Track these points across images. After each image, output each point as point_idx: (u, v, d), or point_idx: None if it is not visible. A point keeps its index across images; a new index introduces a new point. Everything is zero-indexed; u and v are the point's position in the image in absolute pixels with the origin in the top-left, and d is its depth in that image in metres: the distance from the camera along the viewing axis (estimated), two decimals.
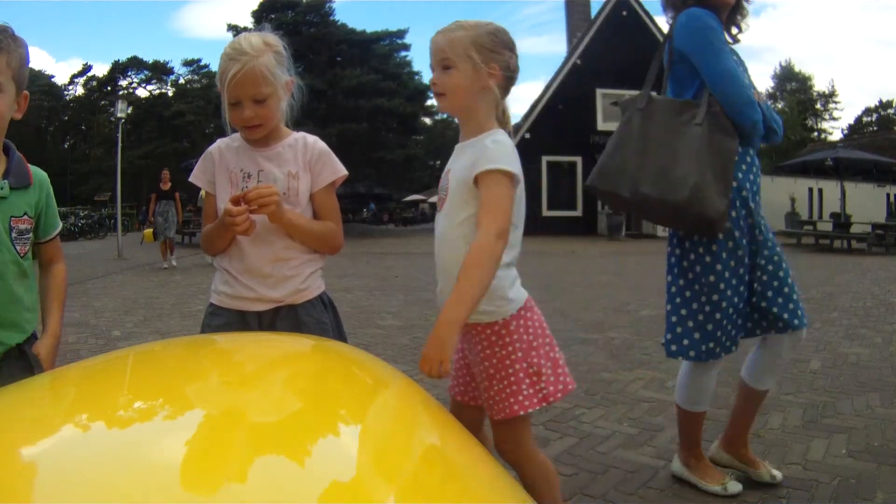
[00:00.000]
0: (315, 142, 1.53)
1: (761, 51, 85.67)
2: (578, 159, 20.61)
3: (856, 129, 47.58)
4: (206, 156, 1.53)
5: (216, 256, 1.53)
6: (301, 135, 1.53)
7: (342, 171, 1.53)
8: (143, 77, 46.26)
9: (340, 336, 1.60)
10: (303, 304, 1.49)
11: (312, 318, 1.49)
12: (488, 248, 1.26)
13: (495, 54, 1.36)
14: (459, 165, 1.40)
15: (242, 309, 1.48)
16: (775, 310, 1.95)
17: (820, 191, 24.14)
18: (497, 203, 1.30)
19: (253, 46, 1.38)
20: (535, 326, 1.41)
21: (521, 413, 1.38)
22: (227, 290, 1.50)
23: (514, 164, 1.33)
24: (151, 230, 10.49)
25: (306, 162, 1.49)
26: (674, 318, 2.01)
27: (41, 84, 46.68)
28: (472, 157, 1.36)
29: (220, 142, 1.54)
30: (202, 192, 1.61)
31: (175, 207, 10.24)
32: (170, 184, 10.33)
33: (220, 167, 1.50)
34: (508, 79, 1.40)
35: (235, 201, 1.35)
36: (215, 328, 1.51)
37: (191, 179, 1.54)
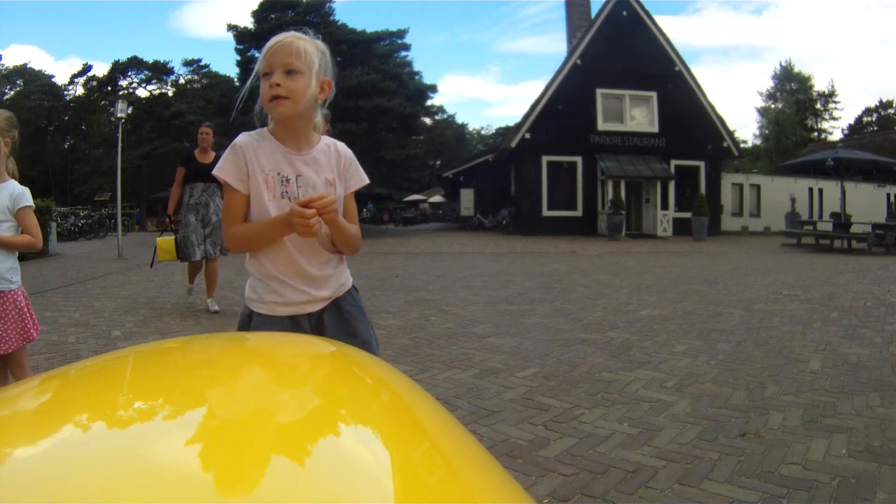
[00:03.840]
0: (344, 148, 1.59)
1: (763, 50, 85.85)
2: (578, 159, 20.62)
3: (856, 129, 47.58)
4: (234, 150, 1.47)
5: (254, 266, 1.53)
6: (331, 141, 1.57)
7: (366, 180, 1.61)
8: (143, 77, 46.22)
9: (366, 317, 1.68)
10: (343, 295, 1.59)
11: (353, 307, 1.60)
12: None
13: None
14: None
15: (295, 314, 1.52)
16: None
17: (820, 191, 24.15)
18: None
19: (296, 34, 1.47)
20: None
21: None
22: (276, 299, 1.51)
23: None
24: (173, 238, 5.88)
25: (340, 169, 1.55)
26: None
27: (41, 84, 46.72)
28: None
29: (246, 137, 1.49)
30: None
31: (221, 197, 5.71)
32: (213, 153, 5.78)
33: (253, 166, 1.46)
34: None
35: (305, 206, 1.38)
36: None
37: (217, 174, 1.48)
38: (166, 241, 5.90)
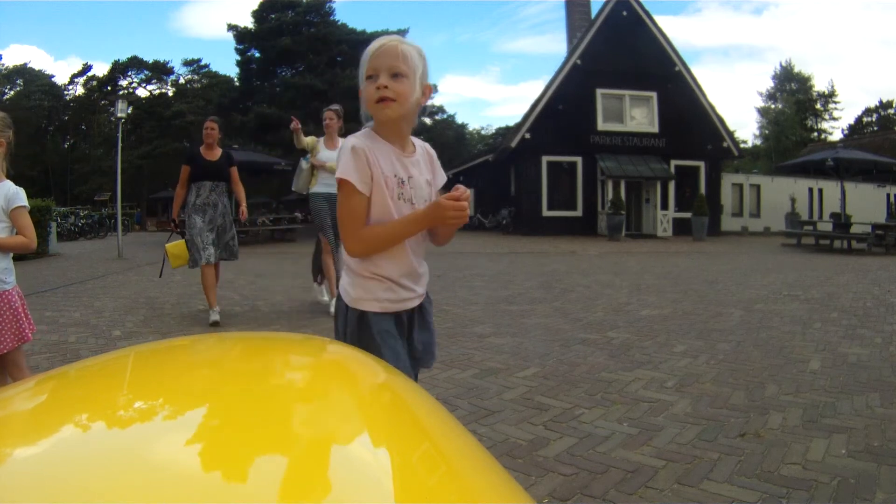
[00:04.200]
0: (430, 149, 1.65)
1: (763, 50, 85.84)
2: (578, 159, 20.63)
3: (856, 129, 47.59)
4: (356, 153, 1.45)
5: (365, 267, 1.53)
6: (419, 142, 1.62)
7: (445, 178, 1.66)
8: (143, 77, 46.23)
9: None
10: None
11: (428, 302, 1.67)
12: None
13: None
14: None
15: (401, 309, 1.57)
16: None
17: (820, 191, 24.15)
18: None
19: (399, 38, 1.51)
20: None
21: None
22: (390, 296, 1.54)
23: None
24: (183, 242, 5.37)
25: (433, 170, 1.62)
26: None
27: (41, 84, 46.72)
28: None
29: (361, 140, 1.48)
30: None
31: (233, 195, 5.50)
32: (220, 150, 5.39)
33: (376, 168, 1.46)
34: None
35: (454, 199, 1.42)
36: (387, 331, 1.54)
37: (344, 176, 1.44)
38: (177, 247, 5.33)
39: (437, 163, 1.65)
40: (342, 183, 1.46)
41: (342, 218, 1.50)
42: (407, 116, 1.51)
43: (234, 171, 5.45)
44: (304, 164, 5.58)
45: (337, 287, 5.55)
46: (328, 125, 5.47)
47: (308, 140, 5.54)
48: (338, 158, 1.50)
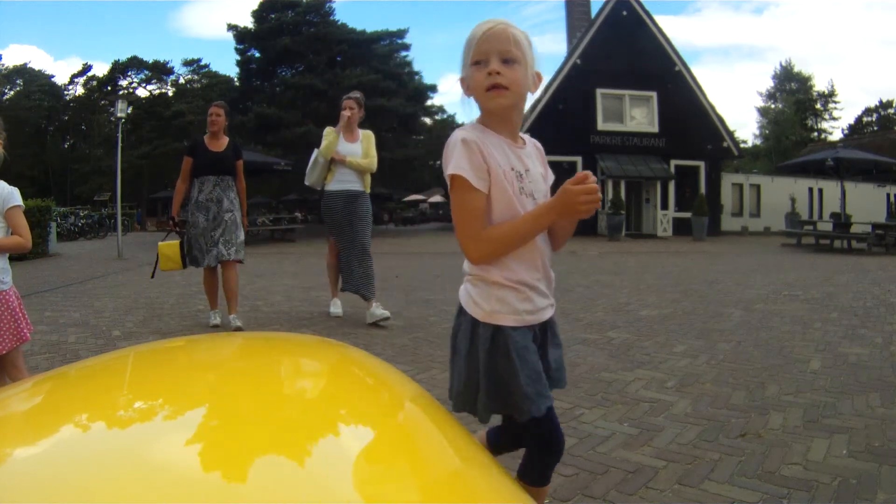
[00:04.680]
0: (538, 143, 1.50)
1: (763, 50, 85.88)
2: (578, 159, 20.62)
3: (856, 129, 47.62)
4: (468, 146, 1.30)
5: (498, 273, 1.35)
6: (523, 134, 1.47)
7: (553, 177, 1.50)
8: (143, 77, 46.27)
9: None
10: None
11: (554, 315, 1.49)
12: None
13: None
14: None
15: (536, 322, 1.39)
16: None
17: (820, 191, 24.16)
18: None
19: (506, 21, 1.36)
20: None
21: None
22: (528, 307, 1.37)
23: None
24: (177, 242, 4.88)
25: (544, 164, 1.47)
26: None
27: (41, 84, 46.73)
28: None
29: (470, 132, 1.33)
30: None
31: (237, 192, 4.92)
32: (226, 139, 4.92)
33: (492, 161, 1.31)
34: None
35: (583, 181, 1.26)
36: (526, 347, 1.36)
37: (458, 172, 1.29)
38: (169, 247, 4.82)
39: (545, 158, 1.50)
40: (455, 180, 1.30)
41: (459, 220, 1.33)
42: (519, 105, 1.37)
43: (241, 165, 4.93)
44: (320, 158, 4.96)
45: (341, 290, 5.24)
46: (349, 116, 4.91)
47: (326, 131, 5.01)
48: (445, 154, 1.33)
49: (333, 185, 4.96)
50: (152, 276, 5.43)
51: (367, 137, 5.10)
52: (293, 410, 0.74)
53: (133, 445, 0.59)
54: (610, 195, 19.57)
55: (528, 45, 1.36)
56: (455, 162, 1.30)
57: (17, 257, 2.49)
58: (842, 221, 16.32)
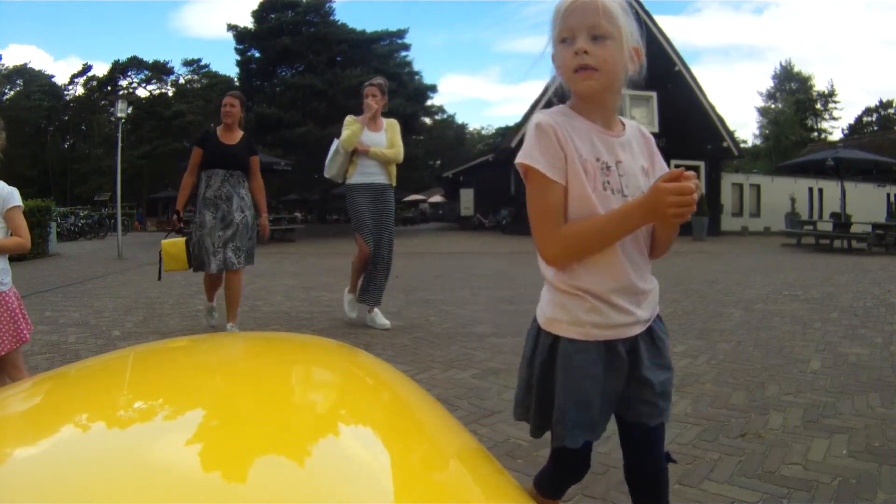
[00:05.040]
0: (647, 131, 1.31)
1: (763, 50, 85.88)
2: None
3: (856, 129, 47.64)
4: (542, 131, 1.15)
5: (563, 277, 1.21)
6: (631, 122, 1.29)
7: (665, 168, 1.27)
8: (143, 77, 46.30)
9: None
10: (656, 318, 1.29)
11: (664, 333, 1.29)
12: None
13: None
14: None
15: (613, 338, 1.21)
16: None
17: (820, 191, 24.16)
18: None
19: None
20: None
21: None
22: (595, 320, 1.19)
23: None
24: (182, 240, 4.57)
25: (650, 155, 1.28)
26: None
27: (41, 84, 46.75)
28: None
29: (550, 116, 1.18)
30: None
31: (249, 191, 4.55)
32: (240, 133, 4.64)
33: (570, 149, 1.15)
34: None
35: (676, 178, 1.07)
36: (584, 370, 1.20)
37: (527, 162, 1.15)
38: (174, 245, 4.49)
39: (655, 148, 1.29)
40: (526, 171, 1.16)
41: (531, 215, 1.18)
42: (613, 87, 1.20)
43: (256, 161, 4.56)
44: (341, 149, 4.62)
45: (359, 289, 4.87)
46: (372, 105, 4.59)
47: (347, 120, 4.68)
48: (526, 138, 1.18)
49: (357, 177, 4.65)
50: (159, 279, 5.08)
51: (391, 126, 4.77)
52: (293, 410, 0.74)
53: (133, 446, 0.59)
54: None
55: (626, 15, 1.18)
56: (524, 150, 1.16)
57: (17, 257, 2.49)
58: (842, 221, 16.32)
